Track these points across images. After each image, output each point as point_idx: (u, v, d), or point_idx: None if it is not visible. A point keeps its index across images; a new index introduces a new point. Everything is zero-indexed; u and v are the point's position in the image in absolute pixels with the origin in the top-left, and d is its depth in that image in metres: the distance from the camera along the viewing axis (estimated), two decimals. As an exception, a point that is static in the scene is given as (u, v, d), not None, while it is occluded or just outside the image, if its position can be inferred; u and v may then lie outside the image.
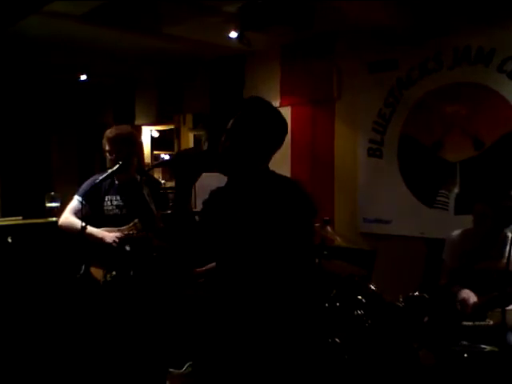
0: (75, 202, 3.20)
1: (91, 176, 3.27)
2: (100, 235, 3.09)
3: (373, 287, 3.20)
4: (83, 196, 3.16)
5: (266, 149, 1.93)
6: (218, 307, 1.95)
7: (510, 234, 3.00)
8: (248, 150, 1.90)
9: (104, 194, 3.16)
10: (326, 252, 3.29)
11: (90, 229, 3.06)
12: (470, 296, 2.98)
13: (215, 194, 2.02)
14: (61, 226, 3.21)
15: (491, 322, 2.80)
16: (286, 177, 1.99)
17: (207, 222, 1.95)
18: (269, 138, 1.93)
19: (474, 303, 2.93)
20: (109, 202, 3.16)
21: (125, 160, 3.08)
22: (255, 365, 1.84)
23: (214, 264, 2.12)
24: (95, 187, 3.06)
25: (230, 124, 1.94)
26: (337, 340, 3.02)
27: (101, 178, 3.01)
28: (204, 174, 1.88)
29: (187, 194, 1.88)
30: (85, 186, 3.22)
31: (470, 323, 2.84)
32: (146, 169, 6.05)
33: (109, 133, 3.17)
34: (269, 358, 1.82)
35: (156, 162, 3.25)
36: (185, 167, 1.84)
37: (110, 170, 3.04)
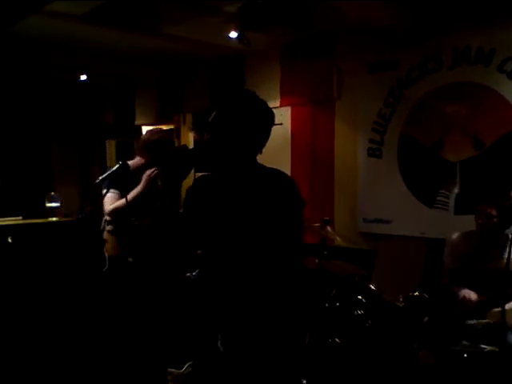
0: (110, 194, 3.24)
1: (93, 175, 3.30)
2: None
3: (373, 287, 3.20)
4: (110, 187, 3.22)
5: (248, 140, 1.87)
6: (206, 300, 1.94)
7: (510, 235, 3.00)
8: (229, 142, 1.85)
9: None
10: (325, 252, 3.29)
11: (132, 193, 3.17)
12: (470, 293, 2.99)
13: (199, 182, 1.98)
14: (112, 211, 3.25)
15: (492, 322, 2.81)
16: (273, 168, 1.94)
17: (190, 212, 1.91)
18: (250, 128, 1.86)
19: (475, 300, 2.94)
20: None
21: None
22: (243, 365, 1.83)
23: None
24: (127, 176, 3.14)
25: (211, 117, 1.89)
26: (337, 340, 3.02)
27: (101, 178, 3.03)
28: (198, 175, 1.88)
29: (175, 192, 1.87)
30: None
31: (474, 321, 2.84)
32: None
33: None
34: (256, 357, 1.81)
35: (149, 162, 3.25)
36: (173, 165, 1.83)
37: (110, 170, 3.06)
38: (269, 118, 1.91)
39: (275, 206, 1.84)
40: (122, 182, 3.16)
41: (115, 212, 3.26)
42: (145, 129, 6.81)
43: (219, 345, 1.84)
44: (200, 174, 1.92)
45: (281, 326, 1.85)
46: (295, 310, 1.90)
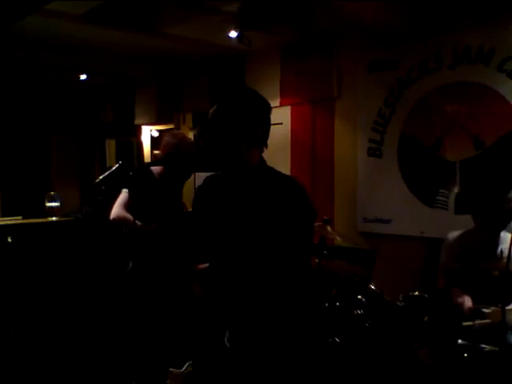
0: (122, 194, 3.23)
1: (92, 176, 3.30)
2: None
3: (373, 287, 3.19)
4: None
5: (247, 132, 1.82)
6: (212, 304, 1.94)
7: (509, 235, 3.00)
8: (228, 136, 1.82)
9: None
10: (325, 252, 3.28)
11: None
12: (465, 300, 2.97)
13: (209, 181, 1.97)
14: (115, 220, 3.24)
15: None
16: (285, 174, 1.93)
17: (199, 213, 1.91)
18: (246, 119, 1.82)
19: (469, 308, 2.93)
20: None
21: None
22: (250, 363, 1.83)
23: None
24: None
25: (209, 115, 1.87)
26: (337, 340, 3.02)
27: (101, 177, 3.03)
28: (198, 174, 1.87)
29: (178, 193, 1.86)
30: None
31: (471, 323, 2.84)
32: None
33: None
34: (263, 355, 1.81)
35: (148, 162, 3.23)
36: (176, 166, 1.82)
37: (110, 170, 3.06)
38: (263, 107, 1.87)
39: (286, 210, 1.81)
40: (141, 184, 3.14)
41: (116, 222, 3.26)
42: (145, 128, 6.83)
43: (226, 341, 1.84)
44: (198, 174, 1.92)
45: (288, 324, 1.85)
46: (303, 310, 1.90)
